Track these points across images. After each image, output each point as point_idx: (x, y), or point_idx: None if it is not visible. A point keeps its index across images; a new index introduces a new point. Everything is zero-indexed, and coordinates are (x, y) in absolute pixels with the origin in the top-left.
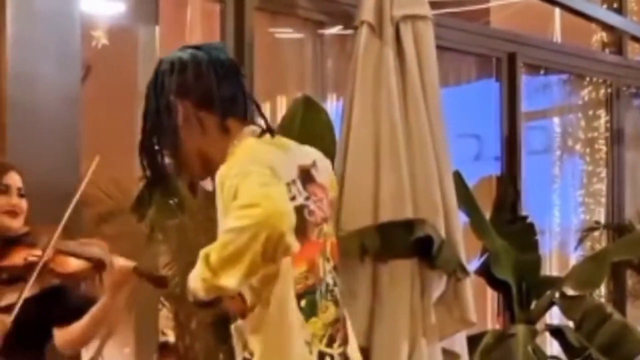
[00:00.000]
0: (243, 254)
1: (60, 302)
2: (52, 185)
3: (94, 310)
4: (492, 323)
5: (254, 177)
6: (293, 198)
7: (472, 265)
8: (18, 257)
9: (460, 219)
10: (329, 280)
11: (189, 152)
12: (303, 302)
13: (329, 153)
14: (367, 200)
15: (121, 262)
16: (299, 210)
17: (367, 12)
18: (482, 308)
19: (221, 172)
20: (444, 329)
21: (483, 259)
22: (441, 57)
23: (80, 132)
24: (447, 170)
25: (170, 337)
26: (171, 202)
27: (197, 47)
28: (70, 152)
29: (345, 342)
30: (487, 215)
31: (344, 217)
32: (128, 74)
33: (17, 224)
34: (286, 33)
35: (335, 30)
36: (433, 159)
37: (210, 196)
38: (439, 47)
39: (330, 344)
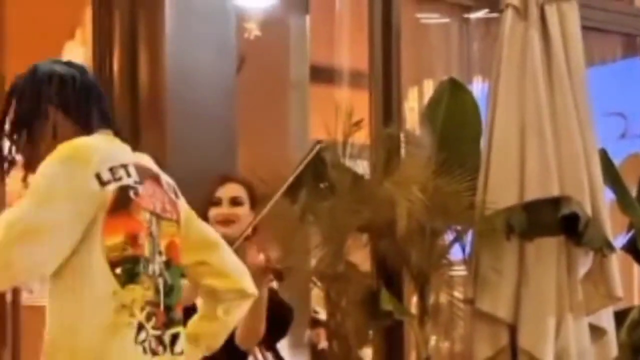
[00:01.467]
0: None
1: None
2: (209, 172)
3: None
4: (638, 299)
5: (42, 192)
6: (119, 179)
7: (619, 242)
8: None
9: (606, 196)
10: (156, 268)
11: (43, 150)
12: (119, 270)
13: (475, 134)
14: (513, 179)
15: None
16: (124, 189)
17: None
18: (629, 284)
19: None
20: (590, 305)
21: (629, 235)
22: (586, 37)
23: (235, 121)
24: (592, 149)
25: (322, 315)
26: (322, 185)
27: (68, 64)
28: (226, 140)
29: (163, 327)
30: (634, 192)
31: (491, 196)
32: (280, 64)
33: (229, 231)
34: (432, 18)
35: (481, 13)
36: (578, 137)
37: (358, 179)
38: (584, 27)
39: (148, 320)
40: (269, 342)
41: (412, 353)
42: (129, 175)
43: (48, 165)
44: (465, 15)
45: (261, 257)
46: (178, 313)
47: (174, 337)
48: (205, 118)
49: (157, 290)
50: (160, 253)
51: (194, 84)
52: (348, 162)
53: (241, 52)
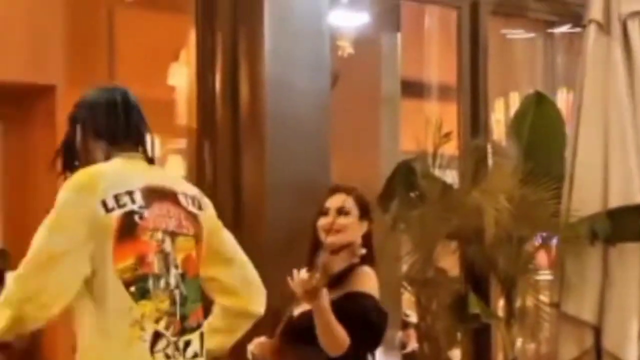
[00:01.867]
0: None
1: None
2: (305, 184)
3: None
4: None
5: (54, 220)
6: (123, 205)
7: None
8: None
9: None
10: (171, 281)
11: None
12: (132, 288)
13: (560, 145)
14: (597, 187)
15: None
16: (129, 214)
17: (595, 11)
18: None
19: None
20: None
21: None
22: None
23: (330, 134)
24: None
25: (413, 318)
26: (412, 194)
27: (106, 90)
28: (321, 154)
29: (179, 334)
30: None
31: (575, 204)
32: (372, 79)
33: (335, 240)
34: (517, 34)
35: (564, 28)
36: None
37: (447, 188)
38: None
39: (166, 328)
40: (368, 348)
41: (499, 354)
42: (133, 201)
43: (62, 191)
44: (549, 31)
45: (304, 274)
46: (192, 322)
47: (187, 344)
48: (301, 132)
49: (173, 302)
50: (176, 267)
51: (291, 100)
52: (437, 172)
53: (335, 69)
